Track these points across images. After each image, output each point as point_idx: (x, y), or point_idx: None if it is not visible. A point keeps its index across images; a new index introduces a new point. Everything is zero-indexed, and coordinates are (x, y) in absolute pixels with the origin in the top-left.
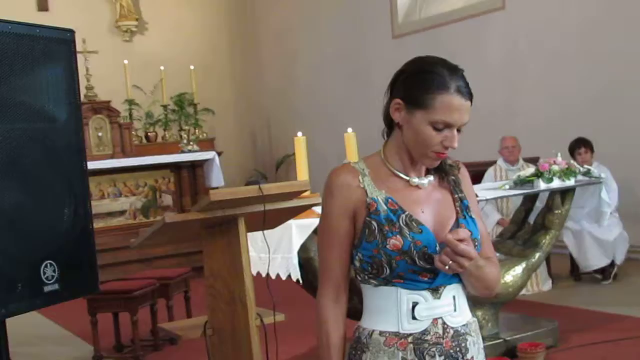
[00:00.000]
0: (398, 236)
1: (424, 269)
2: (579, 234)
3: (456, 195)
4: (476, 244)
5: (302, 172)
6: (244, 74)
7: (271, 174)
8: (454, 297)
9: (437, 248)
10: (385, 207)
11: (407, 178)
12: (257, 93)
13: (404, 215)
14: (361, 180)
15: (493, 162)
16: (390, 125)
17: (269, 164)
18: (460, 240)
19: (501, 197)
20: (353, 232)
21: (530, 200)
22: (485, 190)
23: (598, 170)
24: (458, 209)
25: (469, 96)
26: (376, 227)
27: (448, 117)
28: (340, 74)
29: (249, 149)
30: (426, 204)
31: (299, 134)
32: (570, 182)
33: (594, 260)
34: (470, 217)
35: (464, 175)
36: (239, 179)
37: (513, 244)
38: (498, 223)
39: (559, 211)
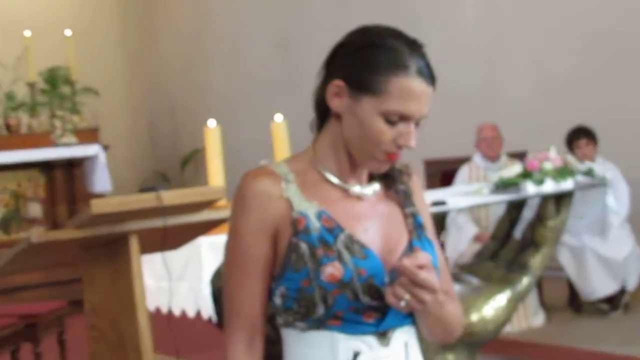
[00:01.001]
0: (336, 263)
1: (369, 306)
2: (580, 251)
3: (407, 210)
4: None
5: (216, 174)
6: (139, 43)
7: (175, 176)
8: (405, 344)
9: (386, 279)
10: (318, 225)
11: (346, 186)
12: (156, 69)
13: (342, 235)
14: (284, 189)
15: (467, 159)
16: (324, 114)
17: (173, 162)
18: (420, 267)
19: (478, 205)
20: (273, 259)
21: (515, 208)
22: (457, 195)
23: (603, 169)
24: (410, 227)
25: (432, 80)
26: (306, 251)
27: (405, 106)
28: (266, 46)
29: (146, 143)
30: (370, 220)
31: (211, 123)
32: (567, 184)
33: (599, 285)
34: (426, 238)
35: (416, 185)
36: (132, 184)
37: (494, 266)
38: (475, 238)
39: (553, 222)
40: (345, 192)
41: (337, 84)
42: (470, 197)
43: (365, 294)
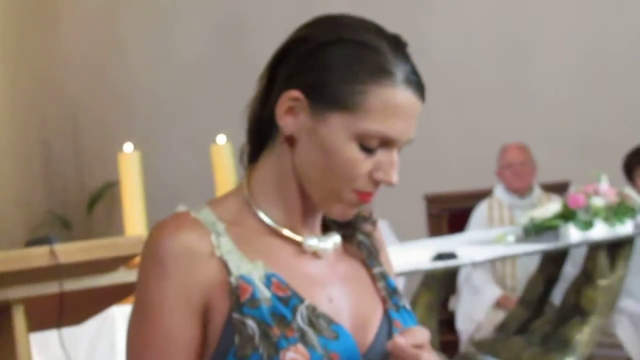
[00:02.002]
0: (299, 346)
1: None
2: None
3: (375, 271)
4: None
5: (134, 218)
6: (32, 34)
7: (79, 221)
8: None
9: None
10: (269, 293)
11: (298, 238)
12: (55, 72)
13: (303, 308)
14: (216, 245)
15: (486, 193)
16: (263, 137)
17: (76, 200)
18: (418, 348)
19: (501, 258)
20: (202, 343)
21: (553, 262)
22: (471, 245)
23: None
24: (383, 294)
25: (421, 91)
26: (256, 332)
27: (390, 126)
28: (206, 36)
29: (37, 172)
30: (333, 286)
31: (128, 147)
32: (626, 227)
33: None
34: (405, 309)
35: (381, 238)
36: (18, 232)
37: (524, 343)
38: (497, 304)
39: (607, 282)
40: (297, 246)
41: (293, 95)
42: (489, 247)
43: None
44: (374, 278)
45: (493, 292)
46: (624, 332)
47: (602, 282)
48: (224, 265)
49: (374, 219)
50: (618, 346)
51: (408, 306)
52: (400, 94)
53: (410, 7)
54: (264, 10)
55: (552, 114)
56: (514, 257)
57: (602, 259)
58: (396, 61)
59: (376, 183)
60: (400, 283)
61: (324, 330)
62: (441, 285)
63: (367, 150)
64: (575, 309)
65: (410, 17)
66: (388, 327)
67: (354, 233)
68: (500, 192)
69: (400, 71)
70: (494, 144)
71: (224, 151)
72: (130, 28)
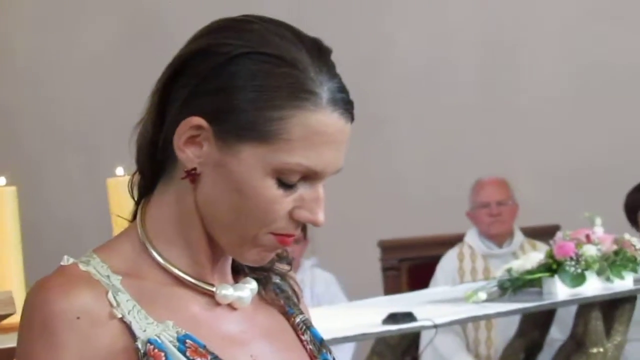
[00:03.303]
0: None
1: None
2: None
3: (298, 320)
4: None
5: (8, 268)
6: None
7: None
8: None
9: None
10: (182, 359)
11: (209, 288)
12: None
13: None
14: (114, 303)
15: (456, 240)
16: (158, 169)
17: None
18: None
19: (472, 320)
20: None
21: (536, 325)
22: (435, 304)
23: None
24: (311, 347)
25: (351, 111)
26: None
27: (314, 158)
28: (104, 33)
29: None
30: (255, 342)
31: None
32: (626, 282)
33: None
34: None
35: (297, 280)
36: None
37: None
38: None
39: (601, 349)
40: (209, 297)
41: (195, 124)
42: (456, 306)
43: None
44: (296, 328)
45: None
46: None
47: (596, 350)
48: (127, 328)
49: (290, 259)
50: None
51: (340, 347)
52: (327, 118)
53: (376, 10)
54: (176, 8)
55: (538, 143)
56: (487, 320)
57: (596, 321)
58: (320, 77)
59: (298, 223)
60: (348, 352)
61: None
62: (396, 354)
63: (287, 186)
64: None
65: (376, 23)
66: None
67: (270, 276)
68: (473, 238)
69: (325, 90)
70: (467, 179)
71: (120, 186)
72: (18, 33)
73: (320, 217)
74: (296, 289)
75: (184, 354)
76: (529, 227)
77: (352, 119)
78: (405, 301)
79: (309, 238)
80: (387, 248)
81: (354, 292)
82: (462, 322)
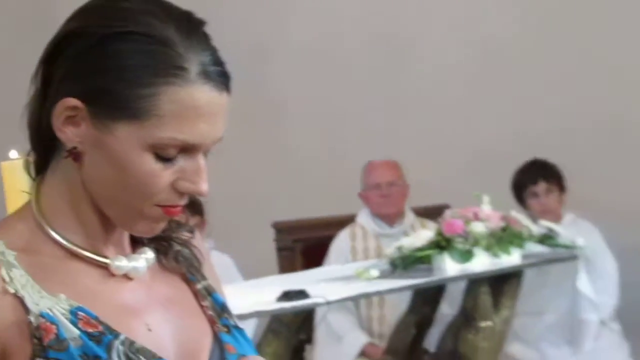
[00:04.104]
0: None
1: None
2: None
3: (199, 287)
4: None
5: None
6: None
7: None
8: None
9: None
10: (77, 332)
11: (102, 260)
12: None
13: (118, 344)
14: (7, 278)
15: (348, 220)
16: (48, 148)
17: None
18: None
19: (364, 297)
20: None
21: (426, 301)
22: (329, 281)
23: (573, 232)
24: (211, 313)
25: (226, 82)
26: None
27: (188, 131)
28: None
29: None
30: (152, 312)
31: None
32: (513, 258)
33: None
34: (237, 328)
35: (202, 245)
36: None
37: None
38: (363, 353)
39: (490, 323)
40: (104, 270)
41: (70, 104)
42: (348, 283)
43: None
44: (198, 296)
45: (357, 340)
46: None
47: (484, 324)
48: (20, 303)
49: (191, 226)
50: None
51: (241, 325)
52: (197, 92)
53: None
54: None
55: (429, 125)
56: (381, 297)
57: (484, 296)
58: (189, 52)
59: (182, 194)
60: (249, 328)
61: None
62: (291, 330)
63: (165, 159)
64: (453, 357)
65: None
66: (220, 353)
67: (170, 244)
68: (364, 219)
69: (194, 64)
70: (358, 161)
71: (14, 169)
72: None
73: (203, 187)
74: (198, 255)
75: (75, 325)
76: (420, 207)
77: (227, 89)
78: (299, 280)
79: (206, 220)
80: (281, 229)
81: (250, 272)
82: (354, 299)
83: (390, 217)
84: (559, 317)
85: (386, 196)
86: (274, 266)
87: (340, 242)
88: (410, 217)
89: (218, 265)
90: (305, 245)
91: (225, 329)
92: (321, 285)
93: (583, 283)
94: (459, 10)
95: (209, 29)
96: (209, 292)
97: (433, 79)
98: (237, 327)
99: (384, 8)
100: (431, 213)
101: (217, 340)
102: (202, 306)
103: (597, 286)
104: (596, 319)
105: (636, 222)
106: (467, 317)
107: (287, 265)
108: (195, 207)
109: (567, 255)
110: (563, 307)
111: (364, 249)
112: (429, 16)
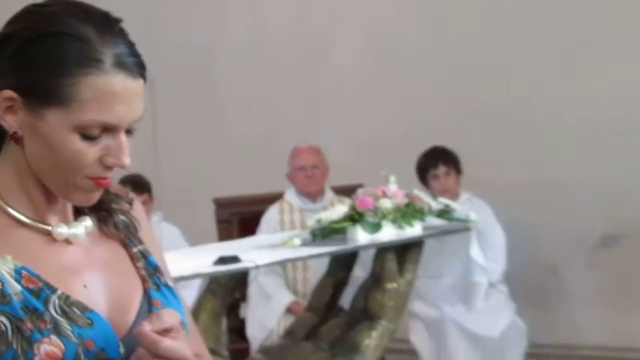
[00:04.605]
0: (54, 337)
1: None
2: (438, 325)
3: (135, 250)
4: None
5: None
6: None
7: None
8: None
9: (121, 350)
10: (19, 287)
11: (46, 228)
12: None
13: (55, 298)
14: None
15: (277, 197)
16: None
17: None
18: (166, 332)
19: (287, 261)
20: None
21: (342, 266)
22: (259, 248)
23: (467, 208)
24: (143, 273)
25: (139, 70)
26: (8, 327)
27: (107, 113)
28: None
29: None
30: (89, 272)
31: None
32: (415, 229)
33: None
34: (167, 287)
35: (141, 215)
36: None
37: (312, 349)
38: (289, 310)
39: (395, 285)
40: (48, 236)
41: (7, 96)
42: (275, 250)
43: None
44: (133, 258)
45: (283, 298)
46: (417, 337)
47: (391, 286)
48: None
49: (130, 197)
50: (412, 351)
51: (171, 284)
52: (112, 80)
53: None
54: None
55: (344, 115)
56: (304, 262)
57: (391, 262)
58: (104, 46)
59: (108, 168)
60: (194, 288)
61: (78, 319)
62: (227, 290)
63: (90, 138)
64: (364, 313)
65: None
66: (148, 307)
67: (110, 214)
68: (291, 196)
69: (109, 56)
70: (286, 147)
71: None
72: None
73: (126, 161)
74: (135, 223)
75: (19, 282)
76: (338, 186)
77: (141, 77)
78: (234, 247)
79: (154, 196)
80: (221, 204)
81: (194, 241)
82: (280, 264)
83: (312, 195)
84: (454, 280)
85: (310, 177)
86: (214, 236)
87: (270, 215)
88: (329, 195)
89: (167, 235)
90: (241, 218)
91: (155, 287)
92: (252, 251)
93: (475, 251)
94: (364, 13)
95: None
96: (144, 255)
97: (347, 73)
98: (166, 286)
99: (305, 12)
100: (347, 191)
101: (147, 296)
102: (136, 267)
103: (487, 254)
104: (486, 281)
105: (521, 199)
106: (376, 280)
107: (225, 235)
108: (143, 186)
109: (462, 228)
110: (458, 271)
111: (290, 221)
112: (340, 18)
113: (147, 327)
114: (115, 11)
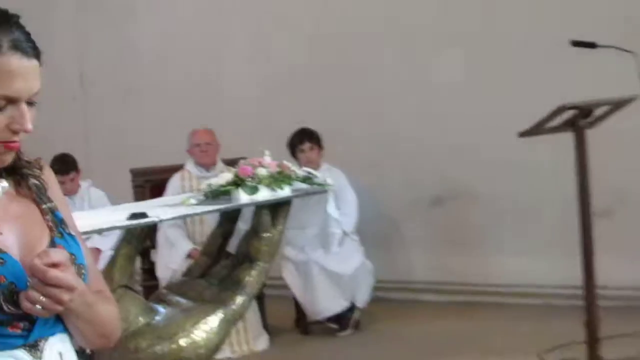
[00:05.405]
0: None
1: (15, 316)
2: (304, 266)
3: (44, 207)
4: (83, 271)
5: None
6: None
7: None
8: (60, 354)
9: (29, 283)
10: None
11: None
12: None
13: None
14: None
15: (180, 167)
16: None
17: None
18: (55, 266)
19: (184, 217)
20: None
21: (229, 220)
22: (163, 207)
23: (326, 175)
24: (51, 224)
25: (35, 52)
26: None
27: (8, 88)
28: None
29: None
30: (4, 222)
31: None
32: (284, 191)
33: (326, 303)
34: (69, 234)
35: (50, 179)
36: None
37: (205, 284)
38: (189, 255)
39: (269, 234)
40: None
41: None
42: (175, 208)
43: (8, 302)
44: (43, 213)
45: (185, 246)
46: (288, 275)
47: (266, 235)
48: None
49: (41, 163)
50: (285, 287)
51: (74, 233)
52: (10, 60)
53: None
54: None
55: (236, 106)
56: (200, 217)
57: (265, 216)
58: (2, 34)
59: (15, 132)
60: (114, 238)
61: None
62: (139, 239)
63: None
64: (246, 257)
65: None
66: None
67: (24, 177)
68: (190, 166)
69: (6, 41)
70: (188, 128)
71: None
72: None
73: (28, 126)
74: (45, 185)
75: None
76: (227, 158)
77: (35, 58)
78: (145, 206)
79: (80, 169)
80: (136, 173)
81: (115, 201)
82: (179, 218)
83: (207, 166)
84: (316, 230)
85: (204, 152)
86: (131, 198)
87: (174, 181)
88: (220, 165)
89: (94, 197)
90: (152, 184)
91: (60, 235)
92: (157, 209)
93: (331, 208)
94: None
95: None
96: (52, 210)
97: (235, 81)
98: (70, 235)
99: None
100: (233, 162)
101: (52, 242)
102: (45, 220)
103: (341, 211)
104: (340, 231)
105: (369, 168)
106: (254, 230)
107: (140, 197)
108: (69, 164)
109: (321, 190)
110: (318, 223)
111: (189, 186)
112: (229, 18)
113: (36, 261)
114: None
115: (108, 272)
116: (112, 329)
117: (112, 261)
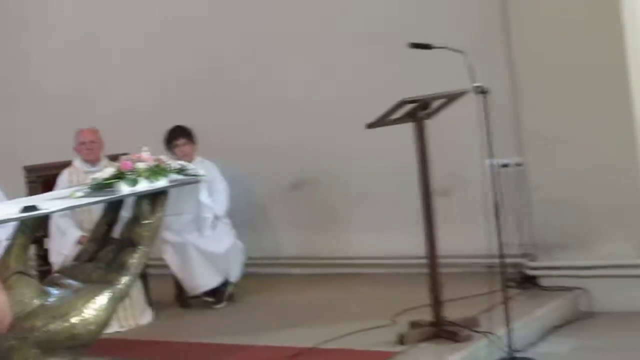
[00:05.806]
0: None
1: None
2: (182, 247)
3: None
4: None
5: None
6: None
7: None
8: None
9: None
10: None
11: None
12: None
13: None
14: None
15: (69, 164)
16: None
17: None
18: None
19: (72, 208)
20: None
21: (113, 210)
22: (52, 199)
23: (199, 167)
24: None
25: None
26: None
27: None
28: None
29: None
30: None
31: None
32: (161, 182)
33: (203, 279)
34: None
35: None
36: None
37: (93, 267)
38: (79, 242)
39: (149, 221)
40: None
41: None
42: (63, 200)
43: None
44: None
45: (75, 234)
46: (168, 256)
47: (146, 222)
48: None
49: None
50: (166, 266)
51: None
52: None
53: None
54: None
55: (120, 105)
56: (89, 208)
57: (145, 205)
58: None
59: None
60: (10, 228)
61: None
62: (32, 229)
63: None
64: (129, 241)
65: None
66: None
67: None
68: (78, 163)
69: None
70: (75, 128)
71: None
72: None
73: None
74: None
75: None
76: (111, 154)
77: None
78: (36, 199)
79: None
80: (30, 170)
81: (11, 196)
82: (67, 209)
83: (92, 162)
84: (191, 216)
85: (89, 149)
86: (24, 192)
87: (63, 176)
88: (104, 161)
89: None
90: (44, 180)
91: None
92: (47, 202)
93: (203, 196)
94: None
95: None
96: None
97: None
98: None
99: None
100: (116, 158)
101: None
102: None
103: (213, 198)
104: (211, 216)
105: (239, 158)
106: (136, 218)
107: (32, 191)
108: None
109: (194, 180)
110: (192, 210)
111: (77, 180)
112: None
113: None
114: None
115: (4, 261)
116: (2, 315)
117: (8, 250)
